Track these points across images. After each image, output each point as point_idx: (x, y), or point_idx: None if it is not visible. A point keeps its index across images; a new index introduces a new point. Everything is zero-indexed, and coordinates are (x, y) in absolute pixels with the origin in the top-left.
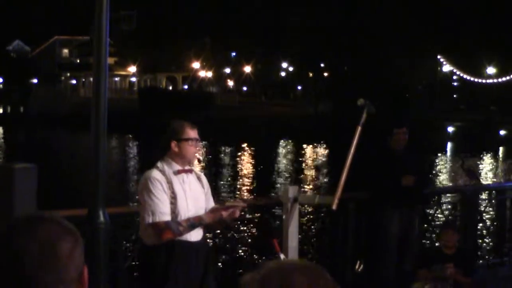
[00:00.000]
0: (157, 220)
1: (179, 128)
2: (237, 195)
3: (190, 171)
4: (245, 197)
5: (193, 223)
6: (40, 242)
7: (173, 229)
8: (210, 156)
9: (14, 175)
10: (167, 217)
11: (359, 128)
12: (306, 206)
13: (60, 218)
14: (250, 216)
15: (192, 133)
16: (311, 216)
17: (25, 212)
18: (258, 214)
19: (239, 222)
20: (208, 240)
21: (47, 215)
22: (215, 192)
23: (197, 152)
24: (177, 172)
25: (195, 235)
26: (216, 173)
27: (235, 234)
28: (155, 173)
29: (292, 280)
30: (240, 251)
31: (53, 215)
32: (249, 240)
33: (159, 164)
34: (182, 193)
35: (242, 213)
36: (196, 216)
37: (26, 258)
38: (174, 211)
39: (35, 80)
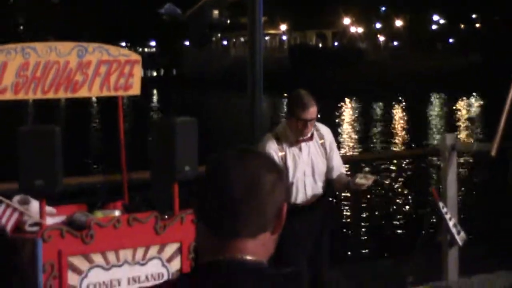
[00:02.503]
0: None
1: (294, 104)
2: (391, 146)
3: (310, 138)
4: (399, 149)
5: None
6: (247, 171)
7: None
8: (361, 112)
9: (176, 128)
10: None
11: None
12: (464, 155)
13: (267, 155)
14: (407, 167)
15: (302, 114)
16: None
17: (239, 146)
18: (410, 166)
19: (393, 175)
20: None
21: (257, 150)
22: (369, 144)
23: (305, 132)
24: (294, 143)
25: (311, 196)
26: (368, 127)
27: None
28: (270, 145)
29: None
30: (397, 201)
31: (261, 152)
32: (406, 192)
33: (279, 129)
34: (297, 162)
35: (399, 163)
36: None
37: (233, 183)
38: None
39: (186, 42)
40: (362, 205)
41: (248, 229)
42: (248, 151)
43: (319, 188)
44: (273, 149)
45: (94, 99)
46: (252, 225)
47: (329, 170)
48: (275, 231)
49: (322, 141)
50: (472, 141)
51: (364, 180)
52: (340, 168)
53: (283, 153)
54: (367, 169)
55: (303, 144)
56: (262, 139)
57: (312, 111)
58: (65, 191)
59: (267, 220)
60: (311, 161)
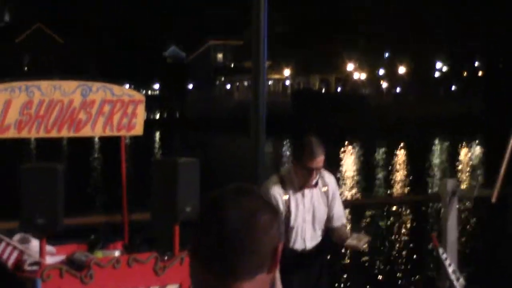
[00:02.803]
0: None
1: (301, 151)
2: (394, 192)
3: (314, 185)
4: (401, 194)
5: None
6: (243, 210)
7: None
8: (363, 157)
9: (177, 168)
10: None
11: None
12: (464, 201)
13: (263, 194)
14: (407, 212)
15: (309, 163)
16: (469, 212)
17: (234, 184)
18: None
19: (393, 218)
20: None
21: (252, 189)
22: (371, 189)
23: (310, 180)
24: (299, 188)
25: (310, 243)
26: (371, 172)
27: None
28: (274, 189)
29: None
30: (398, 246)
31: (256, 190)
32: (406, 237)
33: (284, 172)
34: (299, 208)
35: (400, 208)
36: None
37: (229, 222)
38: (287, 225)
39: (190, 85)
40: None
41: (244, 268)
42: (244, 190)
43: (318, 236)
44: (277, 192)
45: (96, 138)
46: (248, 264)
47: (329, 218)
48: (271, 271)
49: (326, 188)
50: (474, 186)
51: (356, 241)
52: (341, 218)
53: (287, 197)
54: (361, 233)
55: (306, 190)
56: (267, 181)
57: (320, 160)
58: (66, 230)
59: (263, 259)
60: (313, 208)
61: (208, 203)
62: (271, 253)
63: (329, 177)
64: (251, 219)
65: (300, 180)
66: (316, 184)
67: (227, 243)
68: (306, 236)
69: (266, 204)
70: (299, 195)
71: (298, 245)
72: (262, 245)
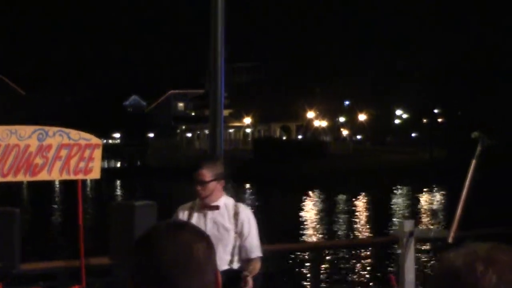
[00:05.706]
0: None
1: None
2: (353, 235)
3: (216, 207)
4: (360, 237)
5: None
6: (178, 245)
7: None
8: (324, 203)
9: (135, 211)
10: None
11: (474, 162)
12: (421, 243)
13: (194, 225)
14: (365, 254)
15: (194, 174)
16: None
17: (164, 221)
18: (368, 252)
19: (353, 261)
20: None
21: (184, 222)
22: (332, 234)
23: (198, 194)
24: (200, 208)
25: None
26: (331, 218)
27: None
28: (183, 205)
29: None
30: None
31: (188, 223)
32: (365, 279)
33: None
34: (199, 225)
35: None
36: None
37: (165, 258)
38: None
39: (151, 134)
40: None
41: None
42: (177, 224)
43: (225, 261)
44: (181, 209)
45: (57, 182)
46: None
47: (242, 248)
48: None
49: (237, 216)
50: (431, 228)
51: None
52: (254, 250)
53: (190, 214)
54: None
55: (209, 212)
56: None
57: (201, 173)
58: (24, 275)
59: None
60: (216, 229)
61: (142, 239)
62: (214, 282)
63: (244, 208)
64: (188, 251)
65: (197, 196)
66: (218, 207)
67: (165, 281)
68: None
69: (200, 235)
70: (201, 214)
71: None
72: (205, 276)
